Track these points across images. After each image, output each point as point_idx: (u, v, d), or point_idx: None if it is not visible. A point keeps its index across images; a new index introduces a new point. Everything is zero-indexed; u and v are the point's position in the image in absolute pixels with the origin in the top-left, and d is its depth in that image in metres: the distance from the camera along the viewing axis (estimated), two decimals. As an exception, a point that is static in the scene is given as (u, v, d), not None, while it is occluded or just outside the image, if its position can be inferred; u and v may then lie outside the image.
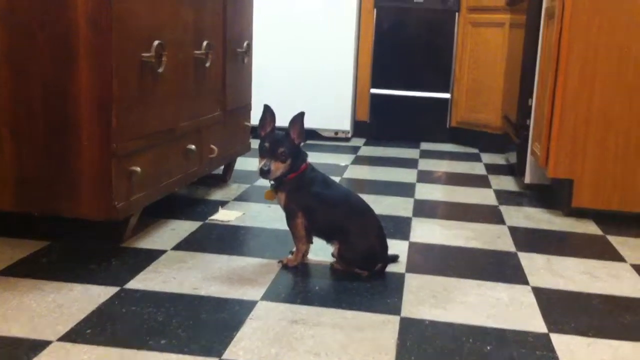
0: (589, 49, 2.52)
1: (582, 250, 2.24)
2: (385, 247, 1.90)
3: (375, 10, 4.33)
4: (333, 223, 1.88)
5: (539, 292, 1.83)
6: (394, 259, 1.98)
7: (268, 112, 1.86)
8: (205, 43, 2.38)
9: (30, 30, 1.81)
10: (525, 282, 1.90)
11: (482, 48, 4.15)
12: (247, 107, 3.03)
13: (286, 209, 1.91)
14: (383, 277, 1.88)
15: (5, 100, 1.86)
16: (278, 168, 1.83)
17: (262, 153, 1.83)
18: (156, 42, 1.97)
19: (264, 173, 1.82)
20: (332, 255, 1.91)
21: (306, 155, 1.91)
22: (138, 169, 1.95)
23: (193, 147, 2.35)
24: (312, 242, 1.95)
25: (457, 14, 4.27)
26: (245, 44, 2.87)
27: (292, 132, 1.84)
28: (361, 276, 1.86)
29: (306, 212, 1.88)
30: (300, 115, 1.84)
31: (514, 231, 2.42)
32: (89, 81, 1.81)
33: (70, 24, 1.79)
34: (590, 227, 2.51)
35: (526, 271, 1.99)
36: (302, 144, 1.87)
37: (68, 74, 1.81)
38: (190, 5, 2.28)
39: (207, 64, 2.41)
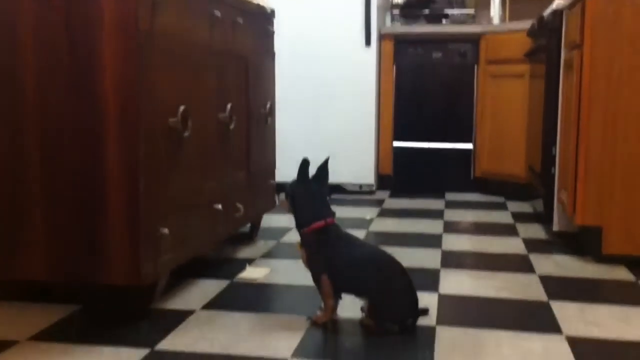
0: (610, 98, 2.52)
1: (615, 297, 2.20)
2: (416, 301, 1.88)
3: (394, 67, 4.40)
4: (360, 282, 1.87)
5: (573, 342, 1.79)
6: (424, 312, 1.95)
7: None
8: (229, 106, 2.44)
9: (60, 107, 1.88)
10: (559, 332, 1.87)
11: (502, 99, 4.17)
12: (272, 166, 3.07)
13: (309, 268, 1.91)
14: (414, 331, 1.86)
15: (36, 166, 1.91)
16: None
17: None
18: (182, 107, 2.03)
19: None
20: (362, 309, 1.90)
21: (331, 214, 1.91)
22: (166, 230, 1.97)
23: (219, 206, 2.37)
24: (340, 298, 1.94)
25: (476, 66, 4.31)
26: (268, 105, 2.92)
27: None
28: (391, 331, 1.84)
29: (330, 273, 1.87)
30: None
31: (545, 280, 2.39)
32: (118, 147, 1.85)
33: (99, 94, 1.85)
34: (622, 274, 2.47)
35: (559, 320, 1.96)
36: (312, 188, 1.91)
37: (98, 141, 1.86)
38: (213, 71, 2.34)
39: (232, 126, 2.46)
